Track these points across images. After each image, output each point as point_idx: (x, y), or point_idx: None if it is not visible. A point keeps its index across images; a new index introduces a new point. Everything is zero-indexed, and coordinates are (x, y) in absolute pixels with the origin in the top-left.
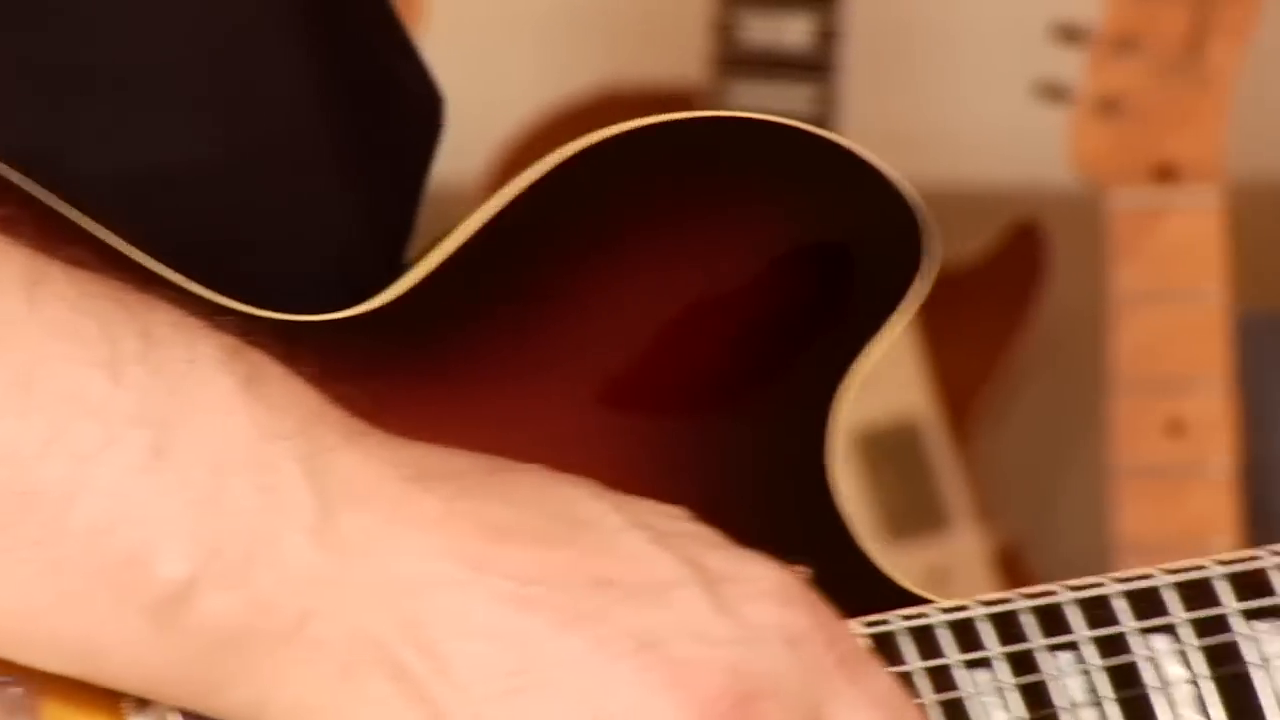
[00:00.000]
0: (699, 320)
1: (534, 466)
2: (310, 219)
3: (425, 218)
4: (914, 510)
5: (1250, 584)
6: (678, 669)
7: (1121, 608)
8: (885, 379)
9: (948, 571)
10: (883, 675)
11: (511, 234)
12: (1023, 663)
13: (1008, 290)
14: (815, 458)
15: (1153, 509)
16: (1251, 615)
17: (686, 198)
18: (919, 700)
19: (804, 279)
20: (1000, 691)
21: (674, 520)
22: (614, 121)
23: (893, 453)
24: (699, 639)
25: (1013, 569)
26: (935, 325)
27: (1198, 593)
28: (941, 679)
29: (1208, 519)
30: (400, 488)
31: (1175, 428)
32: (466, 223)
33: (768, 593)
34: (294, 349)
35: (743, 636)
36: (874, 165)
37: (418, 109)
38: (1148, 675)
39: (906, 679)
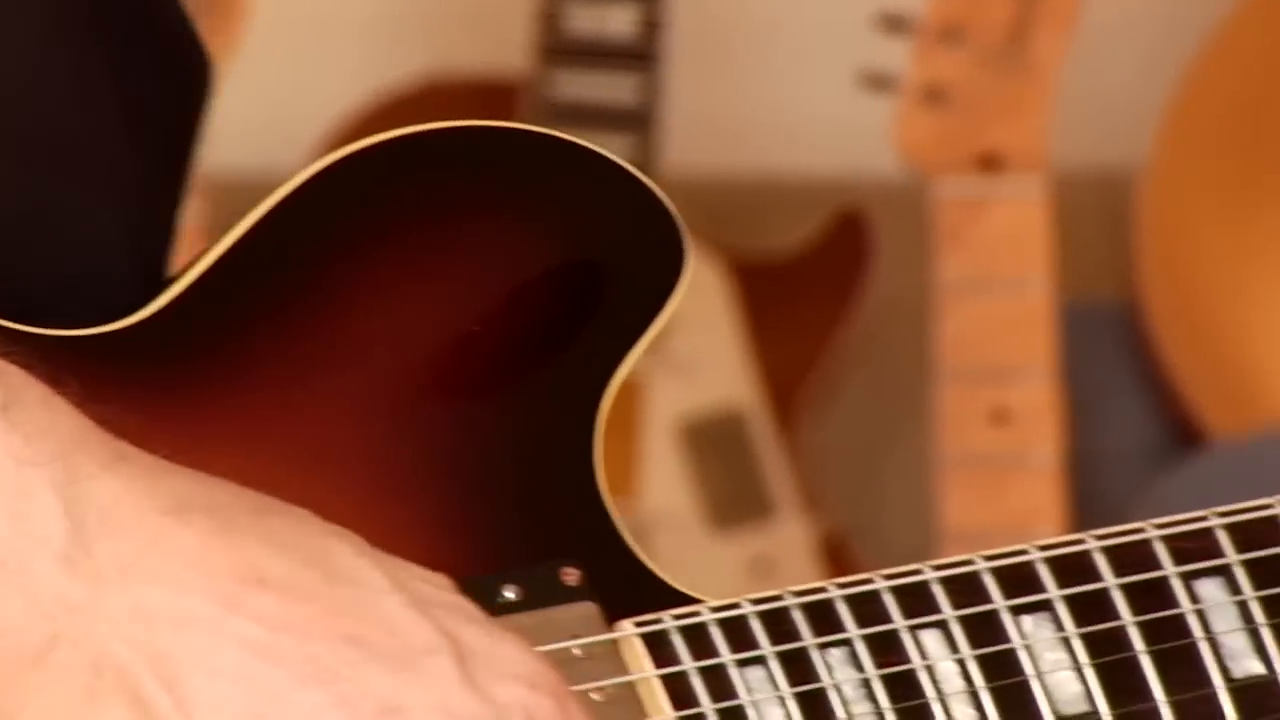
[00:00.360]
0: (460, 326)
1: (301, 511)
2: (70, 223)
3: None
4: (739, 499)
5: (1016, 578)
6: None
7: (890, 604)
8: (710, 369)
9: (773, 561)
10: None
11: (273, 243)
12: (796, 661)
13: (832, 280)
14: (583, 460)
15: (977, 498)
16: (1019, 610)
17: (447, 205)
18: (698, 709)
19: (565, 284)
20: (778, 696)
21: (437, 589)
22: (438, 112)
23: (718, 442)
24: (443, 712)
25: (838, 558)
26: (760, 315)
27: (966, 587)
28: (715, 680)
29: (1033, 508)
30: (158, 520)
31: (1000, 417)
32: (229, 233)
33: (519, 675)
34: (56, 367)
35: (487, 714)
36: (632, 173)
37: (184, 66)
38: (923, 676)
39: (682, 678)
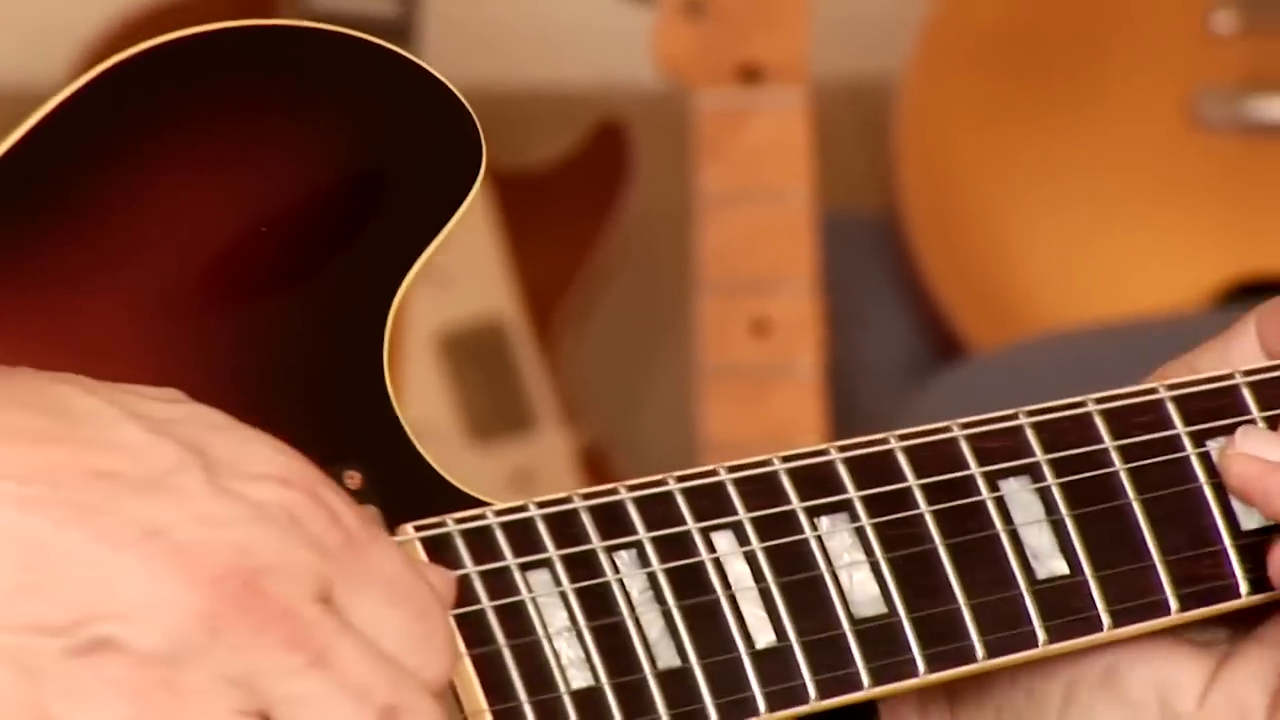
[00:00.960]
0: (246, 227)
1: (23, 368)
2: None
3: (5, 122)
4: (500, 412)
5: (814, 479)
6: (182, 553)
7: (683, 506)
8: (469, 281)
9: (534, 472)
10: (393, 554)
11: (57, 147)
12: (581, 564)
13: (591, 191)
14: (372, 362)
15: (739, 409)
16: (815, 511)
17: (231, 106)
18: (478, 606)
19: (355, 184)
20: (560, 593)
21: (171, 405)
22: (199, 21)
23: (478, 354)
24: (202, 522)
25: (598, 470)
26: (519, 227)
27: (762, 488)
28: (498, 581)
29: (794, 419)
30: None
31: (760, 328)
32: (10, 135)
33: (269, 474)
34: None
35: (246, 516)
36: (426, 71)
37: None
38: (713, 574)
39: (464, 581)
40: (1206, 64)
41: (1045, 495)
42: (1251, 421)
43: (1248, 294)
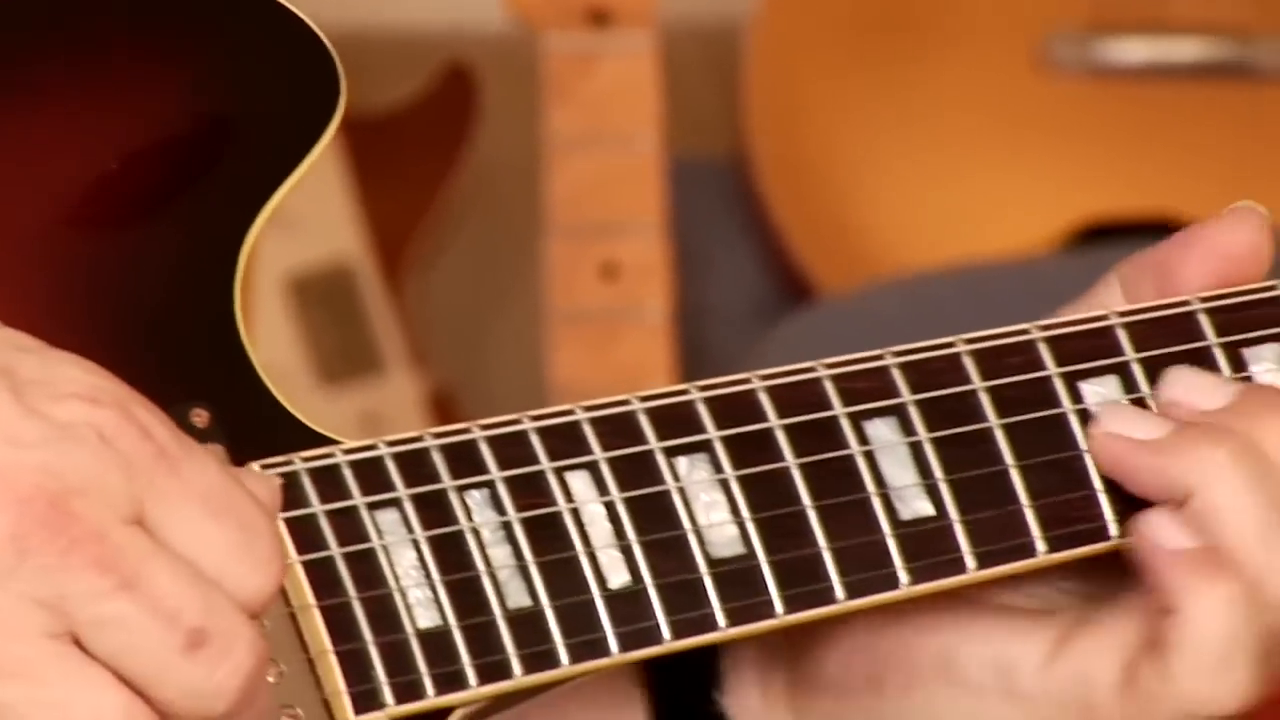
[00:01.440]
0: (96, 161)
1: None
2: None
3: None
4: (348, 354)
5: (673, 418)
6: None
7: (538, 445)
8: (316, 223)
9: (382, 415)
10: (209, 466)
11: None
12: (431, 503)
13: (439, 134)
14: (224, 300)
15: (587, 353)
16: (674, 452)
17: (83, 38)
18: (325, 548)
19: (209, 121)
20: (409, 533)
21: None
22: None
23: (325, 297)
24: (9, 443)
25: (447, 413)
26: (367, 170)
27: (619, 428)
28: (346, 521)
29: (642, 362)
30: None
31: (610, 272)
32: None
33: (78, 393)
34: None
35: (54, 437)
36: (286, 8)
37: None
38: (566, 515)
39: (311, 521)
40: (1056, 7)
41: (911, 436)
42: (1125, 363)
43: (1095, 237)
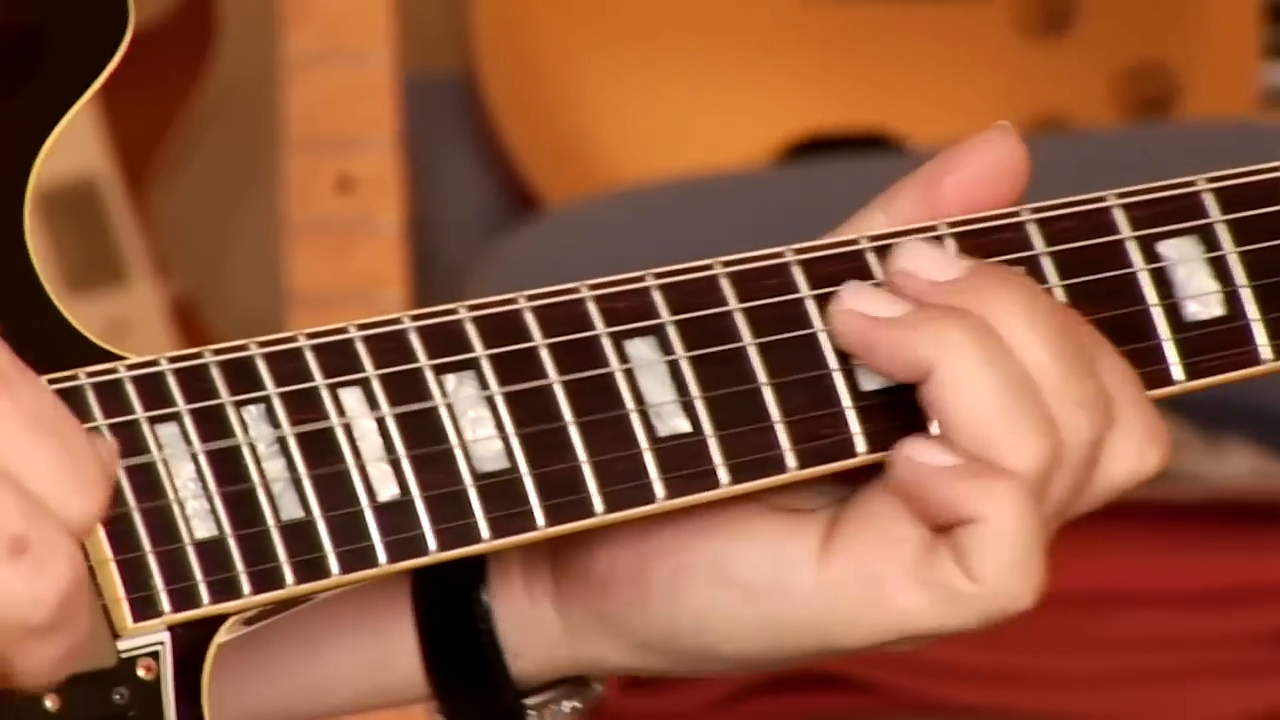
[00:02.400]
0: None
1: None
2: None
3: None
4: (94, 264)
5: (442, 337)
6: None
7: (312, 362)
8: (62, 138)
9: (127, 324)
10: (44, 392)
11: None
12: (210, 418)
13: (181, 52)
14: (13, 218)
15: (324, 263)
16: (442, 369)
17: None
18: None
19: (3, 42)
20: (188, 447)
21: None
22: None
23: (71, 209)
24: None
25: (189, 321)
26: (111, 85)
27: (390, 345)
28: (127, 434)
29: (377, 271)
30: None
31: (345, 185)
32: None
33: None
34: None
35: None
36: None
37: None
38: (339, 430)
39: (94, 434)
40: None
41: (670, 355)
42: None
43: (809, 150)
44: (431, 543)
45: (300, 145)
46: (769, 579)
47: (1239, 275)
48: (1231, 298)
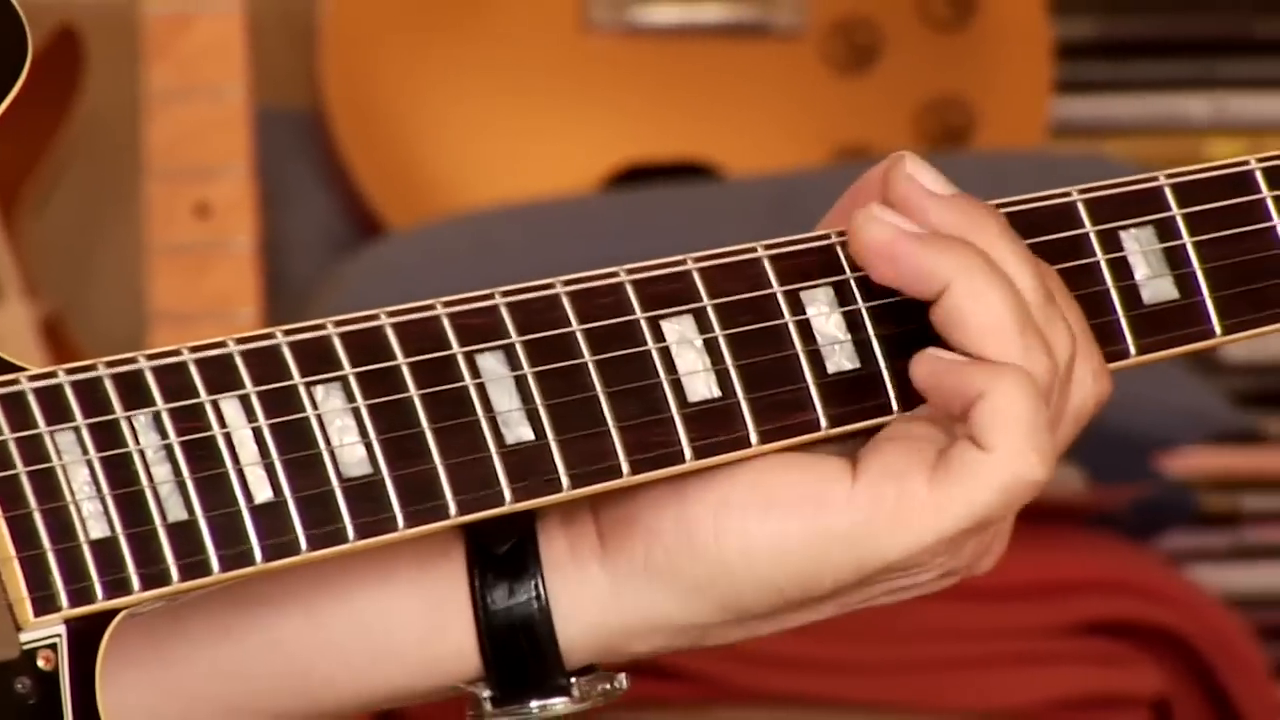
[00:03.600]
0: None
1: None
2: None
3: None
4: None
5: (313, 353)
6: None
7: (196, 375)
8: None
9: (1, 340)
10: None
11: None
12: (104, 428)
13: (50, 88)
14: None
15: (183, 283)
16: (313, 383)
17: None
18: (11, 470)
19: None
20: (84, 454)
21: None
22: None
23: None
24: None
25: (57, 338)
26: None
27: (266, 360)
28: (30, 442)
29: (232, 291)
30: None
31: (203, 210)
32: None
33: None
34: None
35: None
36: None
37: None
38: (219, 438)
39: (1, 446)
40: None
41: (516, 369)
42: (702, 308)
43: (632, 177)
44: (303, 543)
45: (161, 174)
46: (809, 492)
47: (1194, 260)
48: (1186, 280)
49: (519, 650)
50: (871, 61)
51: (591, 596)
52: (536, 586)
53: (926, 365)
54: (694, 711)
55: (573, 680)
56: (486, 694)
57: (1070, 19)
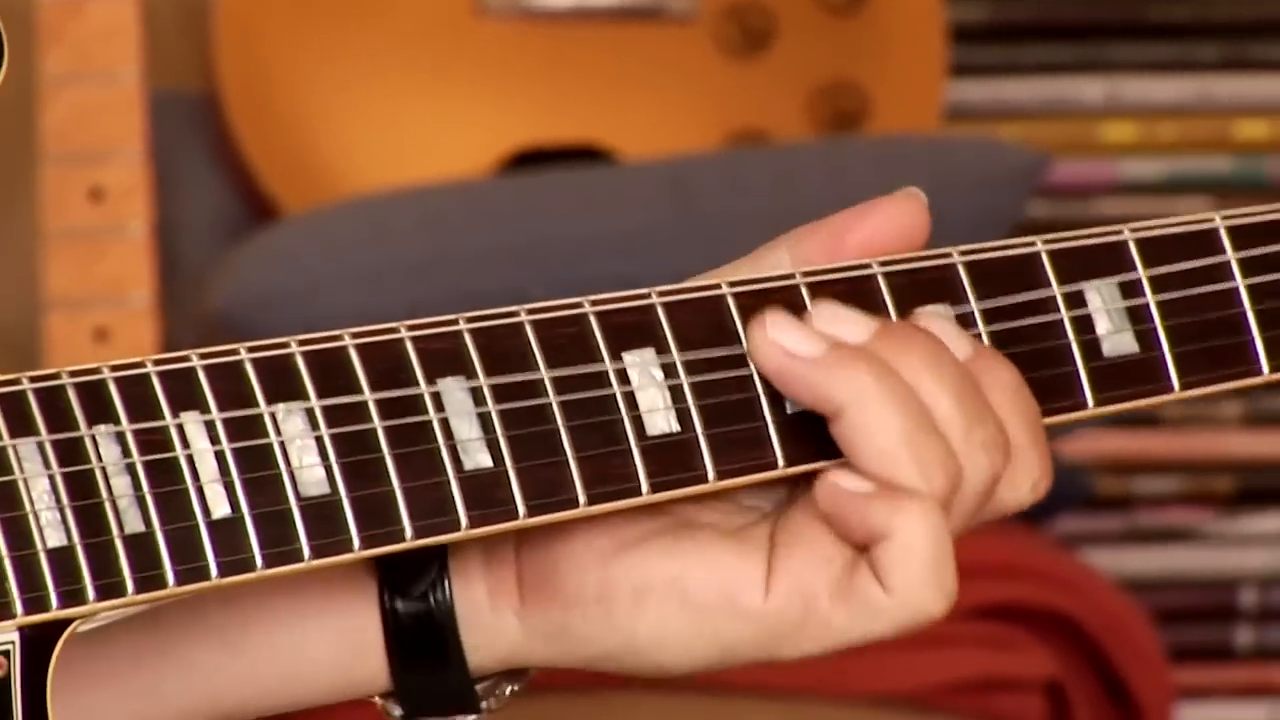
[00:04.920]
0: None
1: None
2: None
3: None
4: None
5: (275, 370)
6: None
7: (159, 388)
8: None
9: None
10: None
11: None
12: (66, 440)
13: None
14: None
15: (78, 268)
16: (274, 399)
17: None
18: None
19: None
20: (45, 467)
21: None
22: None
23: None
24: None
25: None
26: None
27: (228, 374)
28: None
29: (127, 275)
30: None
31: (97, 195)
32: None
33: None
34: None
35: None
36: None
37: None
38: (180, 453)
39: None
40: None
41: (479, 402)
42: (665, 340)
43: (527, 161)
44: (259, 561)
45: (54, 158)
46: (722, 600)
47: (1156, 317)
48: (1146, 336)
49: (430, 678)
50: (764, 46)
51: (506, 642)
52: (447, 627)
53: (827, 493)
54: (588, 696)
55: (483, 704)
56: (398, 712)
57: (963, 3)
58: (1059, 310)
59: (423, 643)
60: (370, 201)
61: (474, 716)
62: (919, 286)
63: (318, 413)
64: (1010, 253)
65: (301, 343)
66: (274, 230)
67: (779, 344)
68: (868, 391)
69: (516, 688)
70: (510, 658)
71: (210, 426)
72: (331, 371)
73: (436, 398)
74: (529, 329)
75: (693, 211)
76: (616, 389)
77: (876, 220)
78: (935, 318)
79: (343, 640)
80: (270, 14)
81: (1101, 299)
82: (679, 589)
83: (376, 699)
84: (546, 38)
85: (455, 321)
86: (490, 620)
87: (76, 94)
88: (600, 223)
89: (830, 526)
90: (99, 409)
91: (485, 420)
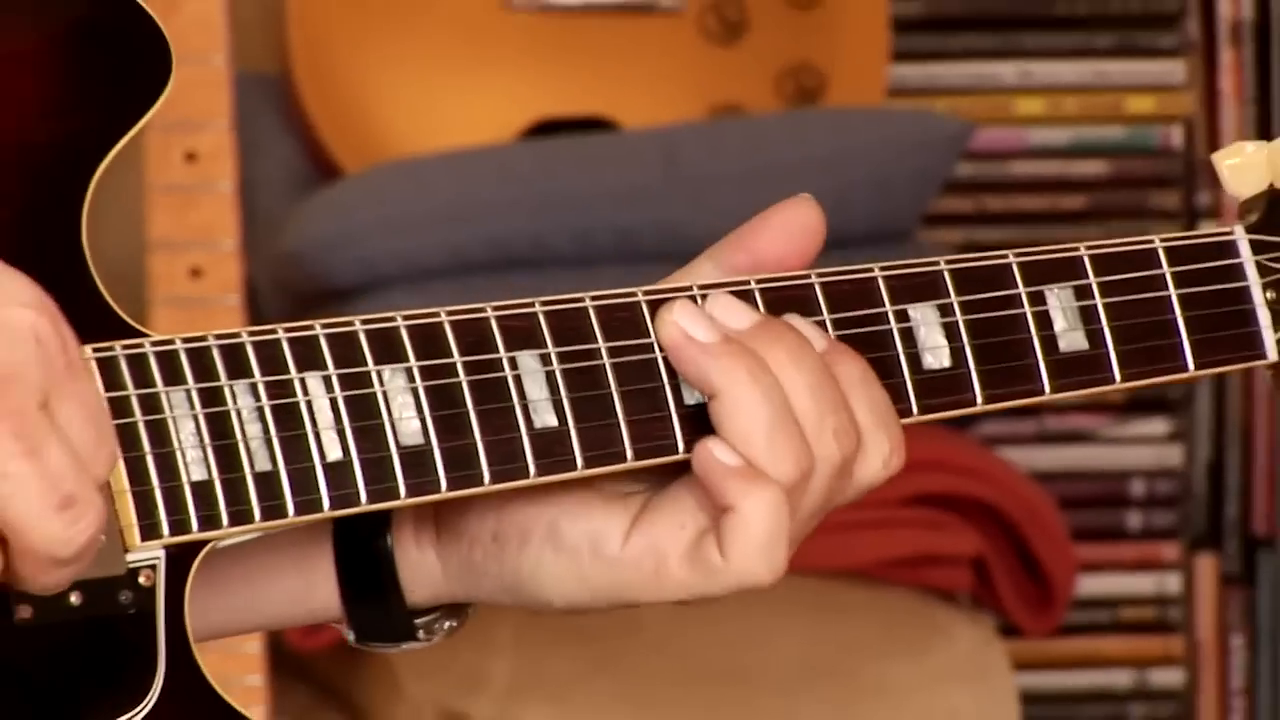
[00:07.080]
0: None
1: None
2: None
3: None
4: None
5: (382, 338)
6: None
7: (287, 351)
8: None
9: None
10: (92, 384)
11: None
12: (209, 390)
13: None
14: (74, 216)
15: (176, 217)
16: (381, 362)
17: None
18: (132, 418)
19: (52, 70)
20: (191, 409)
21: None
22: None
23: None
24: None
25: None
26: None
27: (344, 341)
28: (148, 397)
29: (216, 224)
30: None
31: (191, 157)
32: None
33: (26, 302)
34: None
35: (2, 333)
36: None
37: None
38: (303, 406)
39: (124, 401)
40: None
41: (548, 367)
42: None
43: (542, 130)
44: (363, 497)
45: (157, 126)
46: (587, 547)
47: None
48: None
49: (375, 609)
50: (740, 34)
51: (430, 579)
52: (389, 561)
53: (704, 456)
54: None
55: (421, 634)
56: (352, 636)
57: None
58: (1023, 306)
59: (366, 579)
60: (415, 162)
61: (416, 644)
62: (911, 290)
63: (416, 373)
64: (988, 262)
65: (406, 317)
66: (336, 186)
67: (679, 325)
68: (741, 382)
69: (455, 623)
70: (437, 594)
71: (327, 381)
72: (429, 341)
73: (514, 362)
74: (592, 313)
75: (679, 171)
76: (662, 367)
77: (776, 223)
78: (796, 317)
79: (304, 575)
80: (333, 10)
81: (1059, 300)
82: (554, 533)
83: (335, 625)
84: (562, 27)
85: (531, 304)
86: (416, 557)
87: (176, 74)
88: (603, 180)
89: (698, 489)
90: (237, 366)
91: (553, 386)
